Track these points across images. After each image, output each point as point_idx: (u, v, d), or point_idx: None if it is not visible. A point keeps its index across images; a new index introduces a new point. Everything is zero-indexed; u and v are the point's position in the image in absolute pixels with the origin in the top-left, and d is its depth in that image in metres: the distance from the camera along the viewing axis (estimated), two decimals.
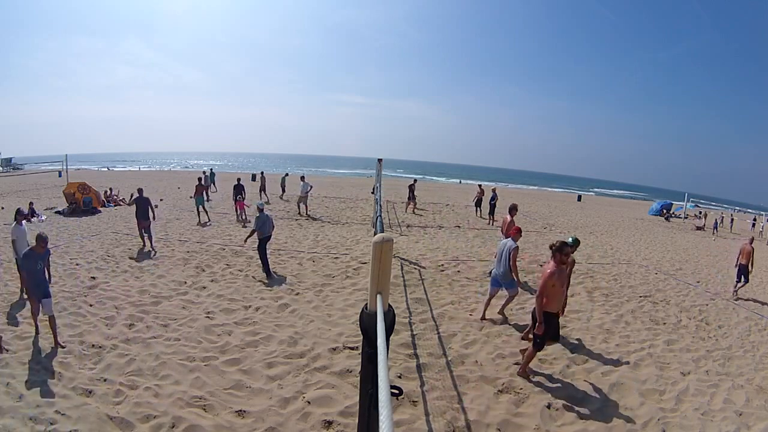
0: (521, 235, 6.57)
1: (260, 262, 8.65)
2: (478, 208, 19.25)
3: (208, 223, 13.65)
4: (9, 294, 6.75)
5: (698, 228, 25.27)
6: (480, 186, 20.96)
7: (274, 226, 9.18)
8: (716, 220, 24.56)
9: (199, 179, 15.09)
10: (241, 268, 8.68)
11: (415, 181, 20.81)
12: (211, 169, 28.84)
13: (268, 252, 8.92)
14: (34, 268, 5.34)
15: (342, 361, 5.10)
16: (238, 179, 15.84)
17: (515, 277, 6.32)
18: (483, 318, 6.60)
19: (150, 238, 10.13)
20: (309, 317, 6.38)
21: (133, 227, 12.46)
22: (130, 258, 9.08)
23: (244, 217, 14.72)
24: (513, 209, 8.59)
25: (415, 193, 19.63)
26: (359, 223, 15.50)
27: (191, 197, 15.65)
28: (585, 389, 4.83)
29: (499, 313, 6.76)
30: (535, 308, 4.76)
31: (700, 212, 29.37)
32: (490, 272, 7.04)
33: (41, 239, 5.46)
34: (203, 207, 14.37)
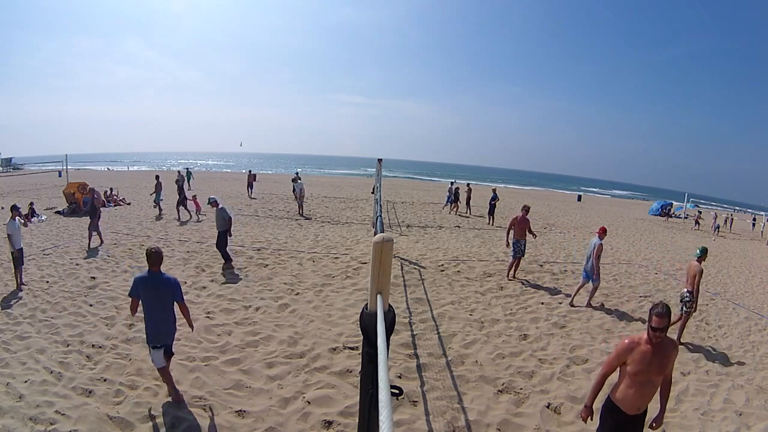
0: (606, 234, 7.64)
1: (221, 254, 8.91)
2: (466, 204, 19.94)
3: (161, 215, 14.87)
4: (9, 294, 6.74)
5: (695, 225, 25.88)
6: (468, 185, 21.87)
7: (231, 218, 9.11)
8: (715, 222, 24.67)
9: (157, 177, 15.99)
10: (240, 268, 8.67)
11: (452, 183, 22.09)
12: (188, 169, 28.72)
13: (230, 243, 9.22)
14: (153, 296, 3.84)
15: (342, 361, 5.09)
16: (177, 181, 16.83)
17: (597, 269, 7.44)
18: (571, 304, 7.67)
19: (100, 234, 10.32)
20: (309, 317, 6.38)
21: (133, 227, 12.51)
22: (130, 258, 9.08)
23: (198, 214, 15.48)
24: (525, 209, 9.18)
25: (460, 196, 20.13)
26: (359, 223, 15.51)
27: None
28: (585, 389, 4.83)
29: (586, 305, 7.68)
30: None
31: (699, 212, 29.59)
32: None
33: (157, 254, 3.81)
34: (157, 202, 15.57)
